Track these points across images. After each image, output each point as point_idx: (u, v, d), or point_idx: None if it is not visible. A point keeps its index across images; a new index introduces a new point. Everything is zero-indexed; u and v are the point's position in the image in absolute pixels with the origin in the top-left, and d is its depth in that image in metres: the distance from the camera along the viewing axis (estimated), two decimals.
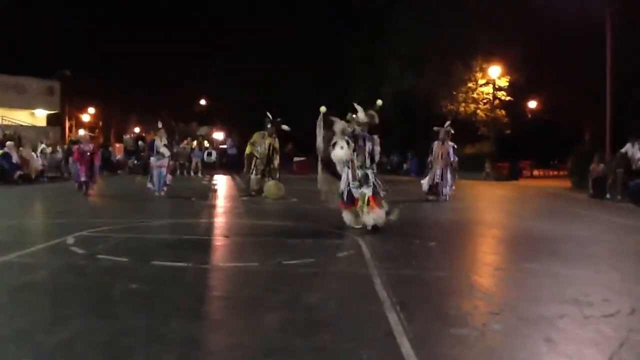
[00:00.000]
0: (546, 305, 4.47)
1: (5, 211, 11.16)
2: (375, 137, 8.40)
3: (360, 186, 8.11)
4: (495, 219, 11.53)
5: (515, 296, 4.87)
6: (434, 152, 13.96)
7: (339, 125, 8.24)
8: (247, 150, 14.74)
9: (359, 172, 8.14)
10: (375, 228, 8.02)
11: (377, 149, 8.37)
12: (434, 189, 13.70)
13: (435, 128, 14.37)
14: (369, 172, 8.20)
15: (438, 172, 13.71)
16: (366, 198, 8.04)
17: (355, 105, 8.40)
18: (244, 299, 4.59)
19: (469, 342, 3.63)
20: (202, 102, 47.41)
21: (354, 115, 8.33)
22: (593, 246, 7.76)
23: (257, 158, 14.30)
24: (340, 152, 8.15)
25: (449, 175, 13.83)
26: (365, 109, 8.39)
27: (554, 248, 7.38)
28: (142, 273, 5.39)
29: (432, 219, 10.96)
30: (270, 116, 14.57)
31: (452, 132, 14.20)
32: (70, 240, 7.06)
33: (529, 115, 33.20)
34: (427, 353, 3.40)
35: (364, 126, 8.33)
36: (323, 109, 8.48)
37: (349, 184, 8.21)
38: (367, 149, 8.22)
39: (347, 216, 8.40)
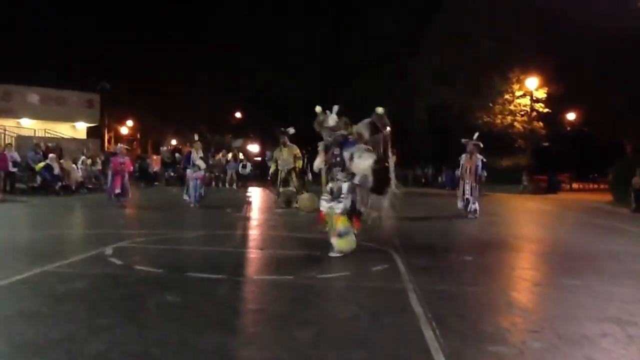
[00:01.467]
0: (587, 324, 4.34)
1: (46, 221, 11.43)
2: (359, 146, 7.17)
3: (331, 200, 7.22)
4: (533, 234, 11.28)
5: (555, 314, 4.73)
6: (461, 166, 13.38)
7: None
8: (272, 168, 14.91)
9: (330, 185, 7.28)
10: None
11: (362, 155, 7.08)
12: (465, 206, 13.08)
13: (463, 140, 13.67)
14: (345, 185, 7.15)
15: (467, 188, 13.09)
16: (333, 217, 7.15)
17: (334, 109, 7.30)
18: (277, 312, 4.58)
19: None
20: (237, 114, 47.96)
21: (328, 116, 7.26)
22: (636, 263, 7.52)
23: (280, 171, 14.42)
24: (317, 160, 7.55)
25: (476, 191, 13.12)
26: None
27: (595, 264, 7.18)
28: (177, 284, 5.43)
29: (468, 233, 10.80)
30: (282, 129, 14.70)
31: (482, 145, 13.45)
32: (108, 251, 7.19)
33: (568, 128, 32.64)
34: None
35: (343, 132, 7.18)
36: (319, 109, 7.39)
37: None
38: (343, 158, 7.14)
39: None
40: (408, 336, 3.94)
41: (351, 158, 7.12)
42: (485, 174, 13.42)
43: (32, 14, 34.19)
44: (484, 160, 13.45)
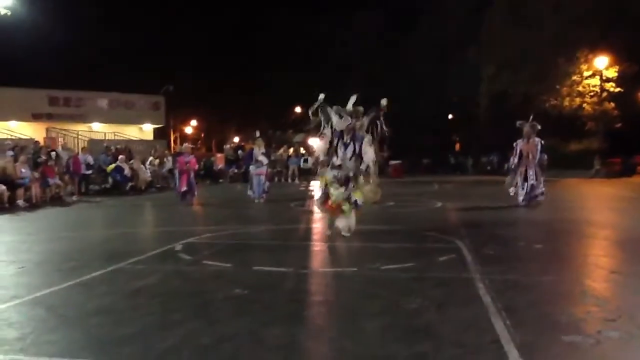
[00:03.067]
0: None
1: (118, 220, 11.91)
2: (367, 137, 7.94)
3: (340, 186, 7.81)
4: (607, 219, 10.80)
5: (633, 302, 4.52)
6: (518, 152, 12.61)
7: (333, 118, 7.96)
8: None
9: (336, 172, 7.84)
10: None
11: (367, 150, 7.84)
12: (530, 192, 12.39)
13: (518, 123, 12.90)
14: (351, 174, 7.82)
15: (531, 173, 12.39)
16: (347, 200, 7.81)
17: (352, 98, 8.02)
18: (343, 304, 4.59)
19: (582, 350, 3.42)
20: (297, 109, 48.31)
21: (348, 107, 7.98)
22: None
23: None
24: (320, 144, 8.03)
25: (540, 175, 12.45)
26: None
27: None
28: (245, 278, 5.54)
29: (537, 220, 10.46)
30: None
31: (539, 127, 12.70)
32: (178, 247, 7.42)
33: None
34: None
35: (359, 123, 7.91)
36: (322, 96, 8.12)
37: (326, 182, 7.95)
38: (352, 149, 7.82)
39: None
40: (477, 327, 3.87)
41: (360, 147, 7.82)
42: (546, 157, 12.66)
43: (98, 24, 35.71)
44: (542, 142, 12.69)
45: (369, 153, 7.86)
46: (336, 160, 7.92)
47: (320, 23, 39.04)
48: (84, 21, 34.55)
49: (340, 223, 7.96)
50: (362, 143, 7.85)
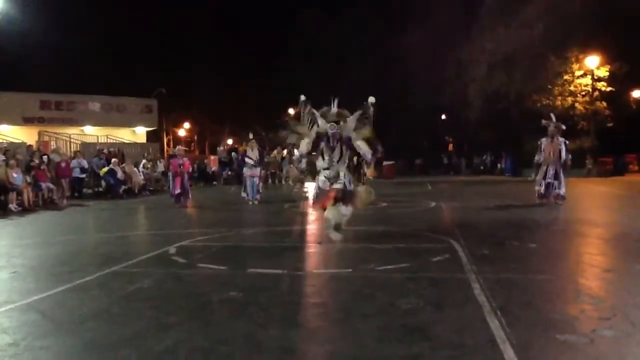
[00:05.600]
0: None
1: (112, 224, 11.85)
2: (353, 134, 7.84)
3: (331, 183, 7.84)
4: (600, 218, 10.85)
5: (627, 300, 4.54)
6: (542, 151, 12.77)
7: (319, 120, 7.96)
8: None
9: (327, 172, 7.84)
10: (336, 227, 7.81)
11: (359, 145, 7.80)
12: (546, 191, 12.61)
13: (544, 122, 13.14)
14: (341, 171, 7.84)
15: (551, 171, 12.56)
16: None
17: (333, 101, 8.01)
18: (338, 306, 4.58)
19: (577, 349, 3.43)
20: (291, 111, 48.31)
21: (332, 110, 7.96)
22: None
23: None
24: (303, 144, 8.06)
25: (562, 175, 12.61)
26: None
27: None
28: (239, 281, 5.53)
29: (531, 219, 10.49)
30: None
31: (564, 127, 12.99)
32: (172, 250, 7.39)
33: (634, 106, 31.14)
34: None
35: (345, 126, 7.83)
36: (302, 97, 8.25)
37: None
38: (339, 152, 7.83)
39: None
40: (472, 327, 3.87)
41: (348, 149, 7.87)
42: (570, 157, 12.84)
43: (89, 28, 35.58)
44: (567, 142, 12.90)
45: (362, 146, 7.82)
46: (323, 163, 7.91)
47: (310, 23, 39.02)
48: (75, 25, 34.41)
49: (332, 215, 7.89)
50: (349, 143, 7.84)
